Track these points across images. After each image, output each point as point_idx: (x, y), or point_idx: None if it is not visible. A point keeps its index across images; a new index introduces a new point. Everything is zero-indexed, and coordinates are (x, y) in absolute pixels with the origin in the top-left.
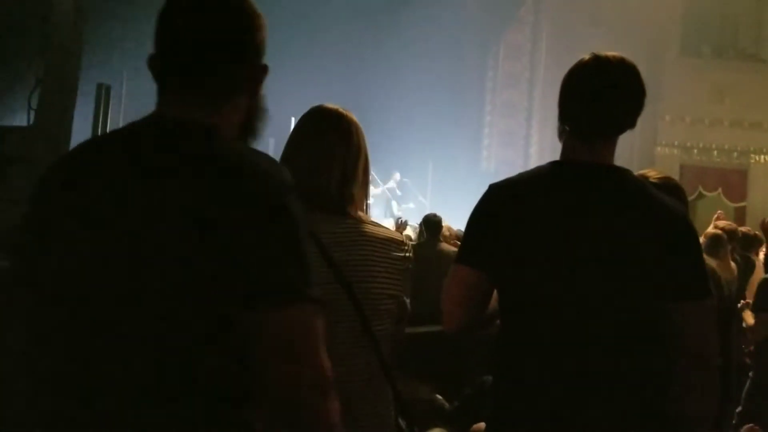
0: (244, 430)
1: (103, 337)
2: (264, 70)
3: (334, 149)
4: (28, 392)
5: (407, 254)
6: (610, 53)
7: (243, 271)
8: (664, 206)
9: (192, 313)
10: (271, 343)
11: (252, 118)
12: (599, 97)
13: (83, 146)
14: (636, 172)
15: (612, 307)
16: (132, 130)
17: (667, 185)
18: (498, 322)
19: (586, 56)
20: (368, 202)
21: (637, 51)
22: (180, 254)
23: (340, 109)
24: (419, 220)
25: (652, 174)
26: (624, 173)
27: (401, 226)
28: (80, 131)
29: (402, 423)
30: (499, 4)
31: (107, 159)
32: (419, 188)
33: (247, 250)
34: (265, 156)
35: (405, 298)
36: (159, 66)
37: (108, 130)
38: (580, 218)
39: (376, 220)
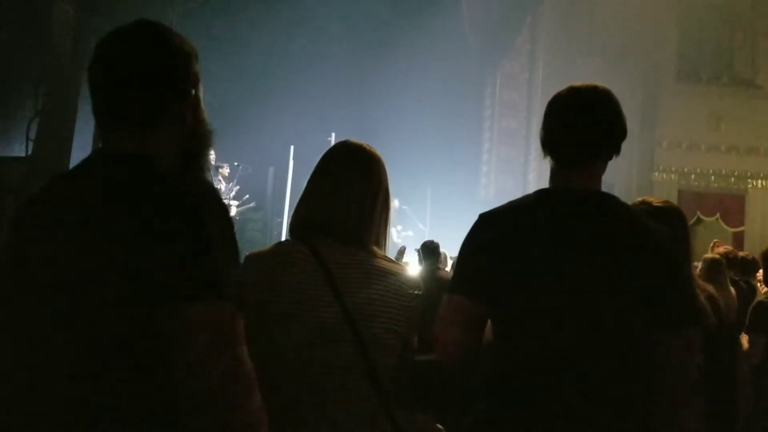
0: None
1: (36, 352)
2: (188, 97)
3: (354, 183)
4: None
5: (417, 292)
6: (585, 84)
7: (155, 271)
8: (647, 233)
9: (114, 317)
10: (184, 338)
11: (191, 141)
12: (572, 124)
13: (46, 186)
14: (638, 198)
15: (600, 333)
16: (81, 166)
17: (665, 210)
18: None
19: (563, 89)
20: (388, 238)
21: (634, 79)
22: (103, 269)
23: (365, 145)
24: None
25: (653, 199)
26: (608, 199)
27: (400, 253)
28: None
29: None
30: (496, 34)
31: (58, 195)
32: (418, 215)
33: (158, 256)
34: (191, 173)
35: (411, 335)
36: (94, 107)
37: None
38: (566, 245)
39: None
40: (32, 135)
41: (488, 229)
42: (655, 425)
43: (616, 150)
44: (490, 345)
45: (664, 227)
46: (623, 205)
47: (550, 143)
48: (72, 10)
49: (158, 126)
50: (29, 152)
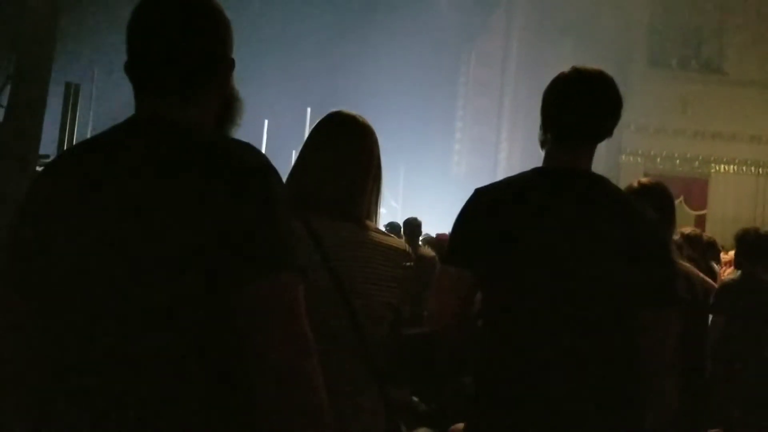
0: (238, 403)
1: (102, 322)
2: (231, 63)
3: (345, 155)
4: (26, 386)
5: (410, 263)
6: (590, 66)
7: (226, 244)
8: (636, 215)
9: (186, 289)
10: (257, 309)
11: (228, 109)
12: (581, 106)
13: (72, 151)
14: (633, 181)
15: (587, 311)
16: (117, 130)
17: (651, 188)
18: (479, 322)
19: (567, 69)
20: (379, 210)
21: (606, 61)
22: (170, 234)
23: (357, 117)
24: (392, 223)
25: (645, 180)
26: (602, 180)
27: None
28: (48, 130)
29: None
30: (471, 12)
31: (99, 157)
32: (391, 193)
33: (231, 225)
34: (244, 143)
35: (403, 307)
36: (134, 70)
37: (77, 130)
38: (558, 224)
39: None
40: (3, 102)
41: (483, 204)
42: (637, 400)
43: (610, 133)
44: (478, 317)
45: (653, 211)
46: (615, 186)
47: (554, 123)
48: None
49: (204, 93)
50: (1, 119)
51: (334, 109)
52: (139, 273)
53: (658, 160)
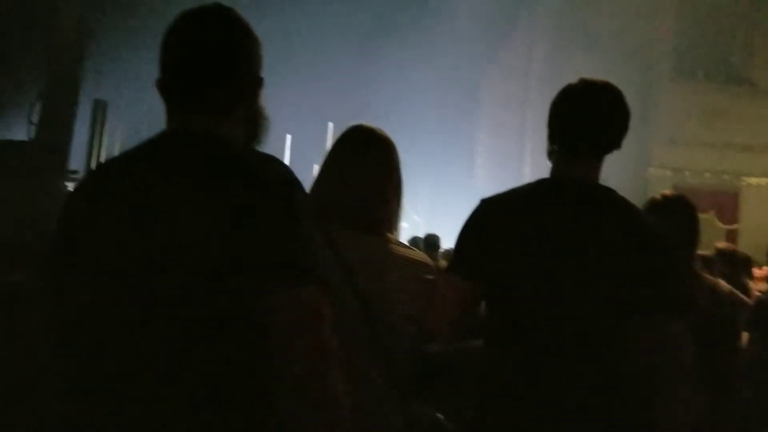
0: (261, 413)
1: (134, 333)
2: (260, 82)
3: (366, 168)
4: (61, 392)
5: (431, 277)
6: (597, 78)
7: (255, 255)
8: (642, 226)
9: (213, 298)
10: (281, 320)
11: (253, 126)
12: (588, 118)
13: (107, 164)
14: (653, 195)
15: (597, 320)
16: (149, 146)
17: (671, 200)
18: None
19: (575, 80)
20: (401, 223)
21: (630, 73)
22: (200, 245)
23: (377, 130)
24: (415, 238)
25: (667, 192)
26: (609, 191)
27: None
28: (76, 147)
29: None
30: (492, 25)
31: (133, 170)
32: (413, 207)
33: (258, 236)
34: (271, 157)
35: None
36: (167, 87)
37: (105, 146)
38: (563, 234)
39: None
40: (34, 119)
41: (488, 213)
42: (648, 415)
43: (619, 145)
44: (482, 330)
45: (662, 221)
46: (621, 197)
47: (561, 135)
48: None
49: (233, 110)
50: (31, 136)
51: (354, 123)
52: (170, 282)
53: (687, 173)
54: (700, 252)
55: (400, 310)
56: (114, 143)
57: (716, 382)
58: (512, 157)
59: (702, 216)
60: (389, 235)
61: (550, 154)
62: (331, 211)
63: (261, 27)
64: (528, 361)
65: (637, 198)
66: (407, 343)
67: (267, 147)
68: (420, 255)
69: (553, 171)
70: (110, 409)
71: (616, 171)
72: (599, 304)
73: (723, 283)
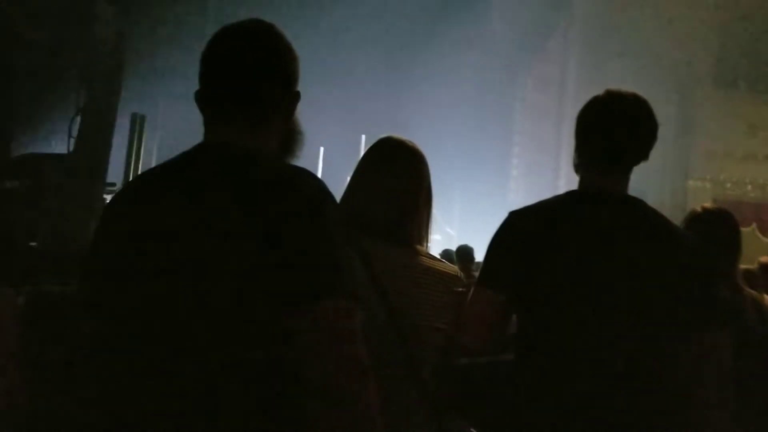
0: (290, 422)
1: (168, 344)
2: (297, 96)
3: (395, 180)
4: (96, 402)
5: (462, 289)
6: (624, 89)
7: (286, 270)
8: (676, 236)
9: (245, 312)
10: (313, 336)
11: (288, 140)
12: (615, 130)
13: (143, 176)
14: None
15: (631, 332)
16: (186, 157)
17: (711, 212)
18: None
19: (601, 93)
20: (430, 235)
21: (669, 84)
22: (232, 259)
23: (407, 141)
24: (447, 251)
25: (707, 205)
26: (639, 203)
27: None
28: (114, 160)
29: None
30: (527, 36)
31: (167, 182)
32: (446, 219)
33: (289, 250)
34: (303, 170)
35: (455, 333)
36: (204, 99)
37: (142, 159)
38: (593, 246)
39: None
40: (73, 132)
41: (517, 226)
42: (684, 426)
43: (646, 157)
44: (514, 342)
45: (691, 233)
46: (650, 209)
47: (587, 148)
48: (113, 9)
49: (270, 123)
50: (70, 149)
51: (384, 135)
52: (202, 296)
53: (728, 185)
54: (742, 266)
55: (430, 323)
56: (151, 156)
57: (761, 398)
58: (547, 169)
59: (744, 229)
60: (419, 247)
61: (577, 167)
62: (360, 224)
63: (293, 39)
64: (561, 374)
65: (676, 211)
66: (436, 356)
67: (300, 159)
68: (450, 267)
69: (582, 183)
70: (138, 423)
71: (655, 183)
72: (633, 316)
73: (757, 295)
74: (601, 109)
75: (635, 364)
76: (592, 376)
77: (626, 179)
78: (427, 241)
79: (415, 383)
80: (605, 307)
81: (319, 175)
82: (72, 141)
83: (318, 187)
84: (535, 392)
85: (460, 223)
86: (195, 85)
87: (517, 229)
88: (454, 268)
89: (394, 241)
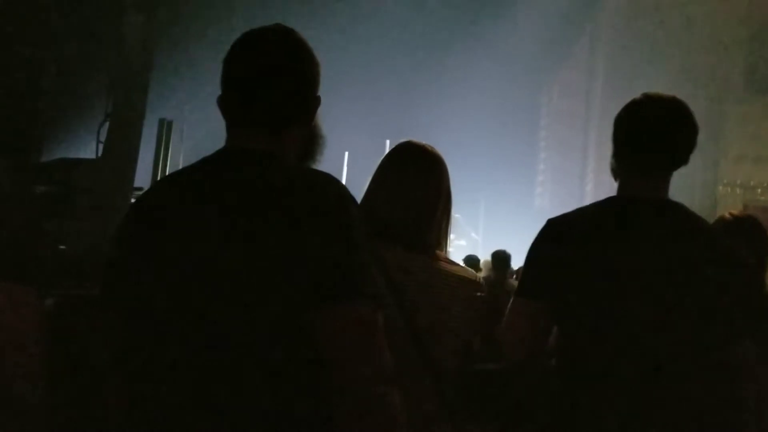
0: (313, 422)
1: (193, 344)
2: (318, 101)
3: (413, 184)
4: (122, 397)
5: (480, 294)
6: (663, 93)
7: (310, 274)
8: (717, 242)
9: (268, 314)
10: (336, 338)
11: (310, 144)
12: (655, 133)
13: (167, 179)
14: (725, 213)
15: (675, 342)
16: (208, 161)
17: (742, 220)
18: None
19: (639, 96)
20: (449, 240)
21: (698, 89)
22: (255, 265)
23: (426, 146)
24: (471, 257)
25: (736, 212)
26: (680, 208)
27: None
28: (142, 165)
29: None
30: (553, 41)
31: (189, 187)
32: (472, 225)
33: (313, 255)
34: (325, 173)
35: (474, 337)
36: (227, 104)
37: (169, 164)
38: (636, 254)
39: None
40: (102, 137)
41: (556, 235)
42: (727, 427)
43: (686, 161)
44: (555, 353)
45: (734, 239)
46: (693, 214)
47: (627, 152)
48: (142, 17)
49: (292, 128)
50: (99, 154)
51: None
52: (227, 297)
53: (759, 191)
54: None
55: (448, 328)
56: (178, 161)
57: None
58: (574, 174)
59: None
60: (438, 252)
61: (615, 172)
62: (378, 228)
63: (319, 44)
64: (606, 381)
65: (706, 217)
66: (455, 362)
67: (325, 163)
68: (468, 272)
69: (621, 189)
70: (165, 422)
71: (684, 189)
72: (674, 324)
73: None
74: (641, 113)
75: (679, 369)
76: (636, 382)
77: (666, 184)
78: (446, 245)
79: (435, 389)
80: (648, 313)
81: (344, 179)
82: (100, 146)
83: (340, 190)
84: (579, 399)
85: (486, 229)
86: (220, 91)
87: (557, 238)
88: (472, 273)
89: (412, 245)
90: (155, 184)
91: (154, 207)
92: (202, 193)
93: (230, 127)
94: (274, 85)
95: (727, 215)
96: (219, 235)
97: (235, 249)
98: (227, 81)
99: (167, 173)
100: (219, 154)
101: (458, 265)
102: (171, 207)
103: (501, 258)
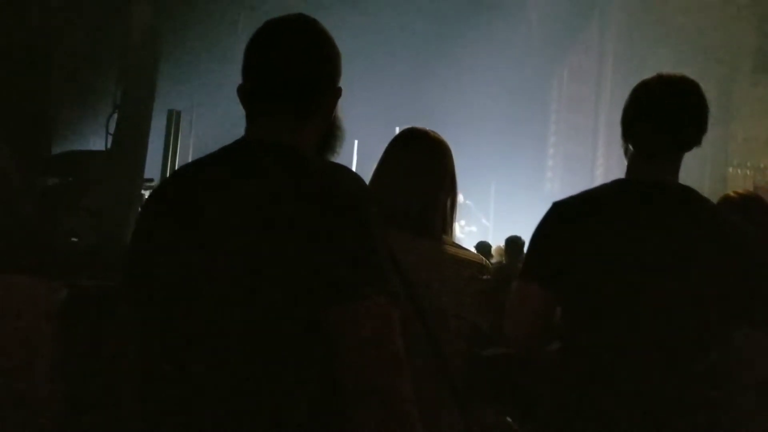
0: (329, 416)
1: (210, 337)
2: (339, 92)
3: (416, 169)
4: (136, 394)
5: (486, 277)
6: (674, 73)
7: (327, 269)
8: (728, 227)
9: (287, 312)
10: (353, 332)
11: (329, 137)
12: (665, 116)
13: (182, 170)
14: (723, 194)
15: (679, 329)
16: (227, 152)
17: (746, 198)
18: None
19: (650, 77)
20: (461, 226)
21: (708, 71)
22: (271, 257)
23: (429, 132)
24: (482, 243)
25: (742, 191)
26: (690, 191)
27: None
28: (151, 156)
29: None
30: (563, 26)
31: (207, 178)
32: (482, 210)
33: (330, 248)
34: (343, 166)
35: (482, 321)
36: (248, 94)
37: (179, 155)
38: (647, 236)
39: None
40: (111, 129)
41: (561, 217)
42: (743, 422)
43: (699, 142)
44: (559, 337)
45: (749, 225)
46: (703, 198)
47: (636, 134)
48: (150, 9)
49: (312, 119)
50: (108, 146)
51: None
52: (244, 289)
53: None
54: None
55: (455, 312)
56: (188, 151)
57: None
58: (584, 159)
59: None
60: (444, 236)
61: (627, 152)
62: (385, 213)
63: (331, 32)
64: (611, 363)
65: (716, 198)
66: (463, 346)
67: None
68: (474, 255)
69: (630, 171)
70: (180, 417)
71: (694, 170)
72: (680, 308)
73: None
74: (652, 93)
75: (686, 352)
76: (642, 365)
77: (676, 166)
78: (451, 229)
79: (444, 374)
80: (654, 295)
81: (354, 167)
82: (110, 138)
83: (358, 183)
84: (584, 381)
85: (496, 215)
86: (229, 82)
87: (562, 220)
88: (478, 256)
89: (417, 229)
90: (174, 173)
91: (175, 199)
92: (225, 185)
93: (250, 117)
94: (297, 76)
95: (732, 194)
96: (241, 229)
97: (253, 242)
98: (248, 70)
99: (177, 164)
100: (239, 144)
101: (464, 248)
102: (193, 199)
103: (515, 243)
